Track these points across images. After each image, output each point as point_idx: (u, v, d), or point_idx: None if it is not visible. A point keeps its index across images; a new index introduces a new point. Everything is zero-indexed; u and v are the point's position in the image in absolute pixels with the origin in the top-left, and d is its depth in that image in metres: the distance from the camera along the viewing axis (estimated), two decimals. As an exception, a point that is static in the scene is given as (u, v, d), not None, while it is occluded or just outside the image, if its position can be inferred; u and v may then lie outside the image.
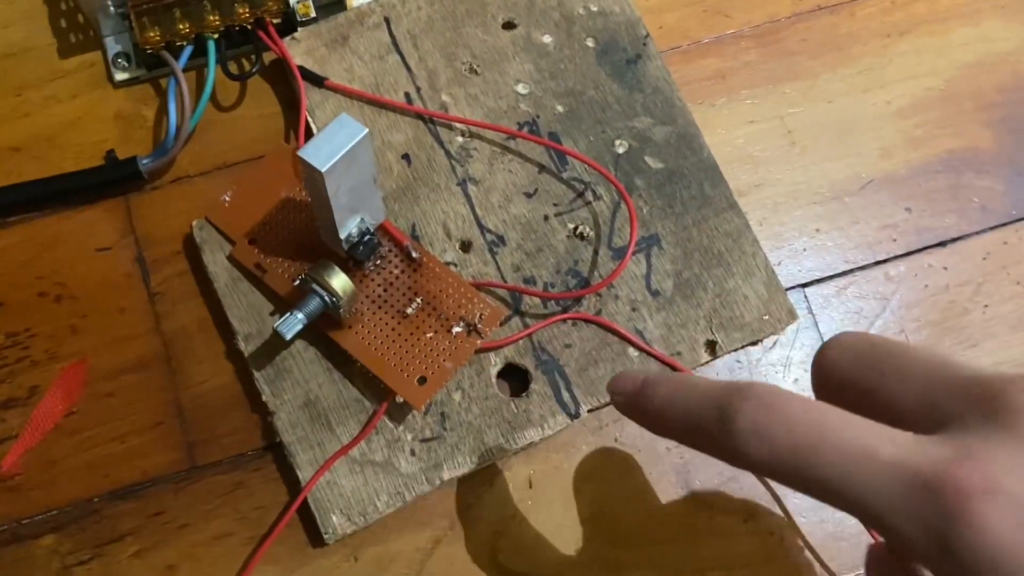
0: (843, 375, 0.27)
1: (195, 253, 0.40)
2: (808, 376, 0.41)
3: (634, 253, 0.40)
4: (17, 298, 0.39)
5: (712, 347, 0.39)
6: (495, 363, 0.39)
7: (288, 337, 0.35)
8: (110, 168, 0.40)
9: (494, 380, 0.39)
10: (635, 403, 0.29)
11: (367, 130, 0.33)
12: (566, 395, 0.38)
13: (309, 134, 0.41)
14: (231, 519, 0.38)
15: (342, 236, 0.36)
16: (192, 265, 0.40)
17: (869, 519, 0.23)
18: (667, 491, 0.39)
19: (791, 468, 0.23)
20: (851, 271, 0.43)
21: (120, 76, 0.42)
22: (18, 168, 0.41)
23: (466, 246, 0.40)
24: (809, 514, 0.40)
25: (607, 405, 0.39)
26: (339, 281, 0.35)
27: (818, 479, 0.23)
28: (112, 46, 0.42)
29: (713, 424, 0.25)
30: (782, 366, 0.41)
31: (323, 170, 0.32)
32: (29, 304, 0.39)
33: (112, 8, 0.41)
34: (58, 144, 0.41)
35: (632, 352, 0.39)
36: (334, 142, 0.32)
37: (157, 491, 0.38)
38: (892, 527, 0.22)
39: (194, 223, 0.40)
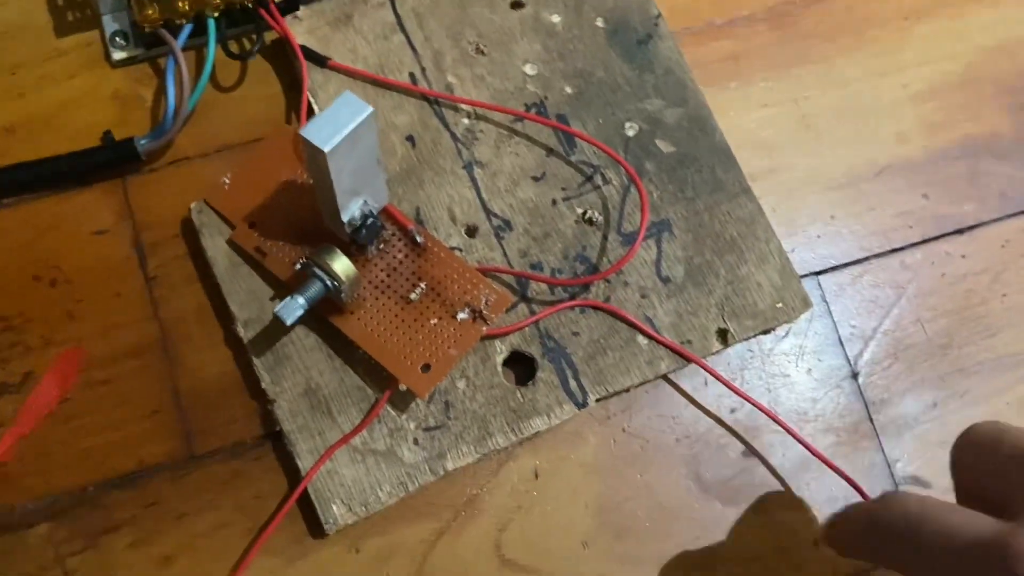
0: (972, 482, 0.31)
1: (193, 237, 0.39)
2: (823, 365, 0.40)
3: (644, 239, 0.39)
4: (11, 282, 0.38)
5: (724, 336, 0.38)
6: (501, 351, 0.38)
7: (288, 322, 0.34)
8: (107, 149, 0.39)
9: (499, 368, 0.38)
10: (875, 526, 0.31)
11: (372, 109, 0.32)
12: (573, 384, 0.37)
13: (311, 115, 0.39)
14: (229, 509, 0.37)
15: (344, 219, 0.35)
16: (190, 249, 0.39)
17: None
18: (676, 483, 0.38)
19: None
20: (866, 259, 0.42)
21: (118, 55, 0.41)
22: (12, 149, 0.40)
23: (472, 231, 0.39)
24: (824, 507, 0.39)
25: (615, 395, 0.38)
26: (341, 265, 0.34)
27: None
28: (110, 25, 0.41)
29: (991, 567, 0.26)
30: (795, 355, 0.40)
31: (326, 150, 0.31)
32: (23, 288, 0.38)
33: (110, -15, 0.40)
34: (53, 125, 0.40)
35: (641, 340, 0.38)
36: (338, 121, 0.31)
37: (154, 480, 0.37)
38: None
39: (192, 206, 0.38)
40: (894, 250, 0.42)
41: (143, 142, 0.39)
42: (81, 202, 0.40)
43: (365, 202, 0.35)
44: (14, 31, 0.41)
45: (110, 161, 0.39)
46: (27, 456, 0.37)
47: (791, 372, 0.40)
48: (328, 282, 0.35)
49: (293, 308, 0.34)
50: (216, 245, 0.38)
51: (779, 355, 0.40)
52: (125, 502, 0.37)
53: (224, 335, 0.38)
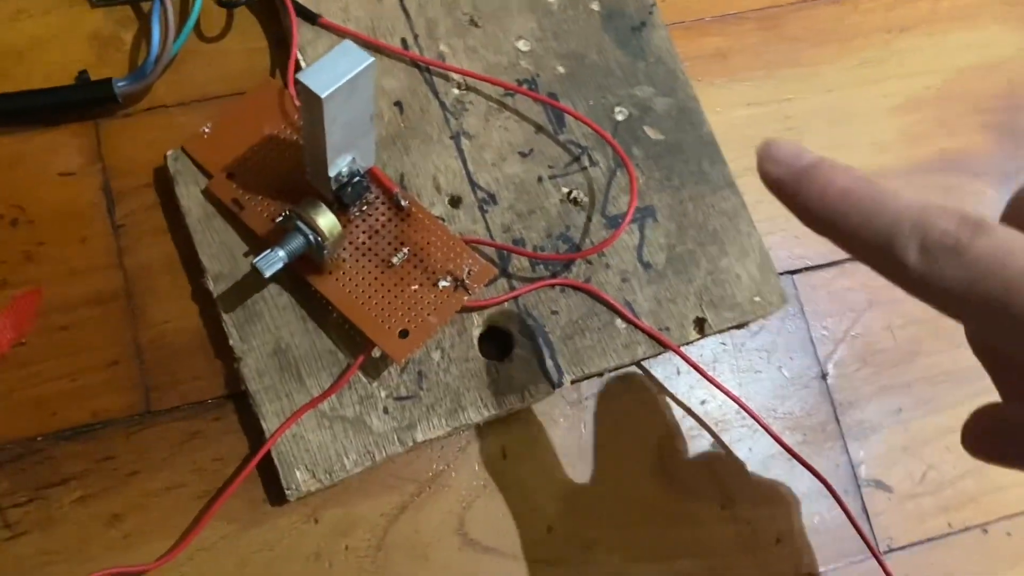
0: None
1: (167, 185, 0.37)
2: (793, 364, 0.40)
3: (628, 223, 0.39)
4: (-32, 218, 0.37)
5: (701, 325, 0.38)
6: (478, 324, 0.37)
7: (267, 274, 0.33)
8: (82, 88, 0.37)
9: (476, 342, 0.37)
10: (800, 184, 0.23)
11: (373, 59, 0.31)
12: (550, 363, 0.37)
13: (298, 72, 0.38)
14: (185, 470, 0.35)
15: (331, 174, 0.34)
16: (162, 199, 0.38)
17: None
18: (644, 472, 0.38)
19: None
20: (841, 262, 0.42)
21: (99, -6, 0.39)
22: (-20, 81, 0.38)
23: (455, 201, 0.38)
24: (789, 505, 0.39)
25: (589, 377, 0.38)
26: (326, 220, 0.33)
27: None
28: (93, -38, 0.39)
29: (909, 251, 0.21)
30: (767, 352, 0.40)
31: (323, 96, 0.30)
32: (-19, 225, 0.37)
33: (96, -78, 0.38)
34: (26, 61, 0.39)
35: (620, 324, 0.38)
36: (337, 68, 0.31)
37: (108, 434, 0.35)
38: None
39: (169, 153, 0.37)
40: (869, 255, 0.42)
41: (121, 84, 0.37)
42: (49, 141, 0.38)
43: (353, 160, 0.34)
44: (-10, -41, 0.39)
45: (84, 101, 0.38)
46: (-27, 400, 0.35)
47: (762, 368, 0.40)
48: (311, 237, 0.34)
49: (273, 260, 0.33)
50: (190, 194, 0.37)
51: (751, 351, 0.40)
52: (75, 455, 0.35)
53: (192, 290, 0.37)
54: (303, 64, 0.38)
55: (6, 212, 0.37)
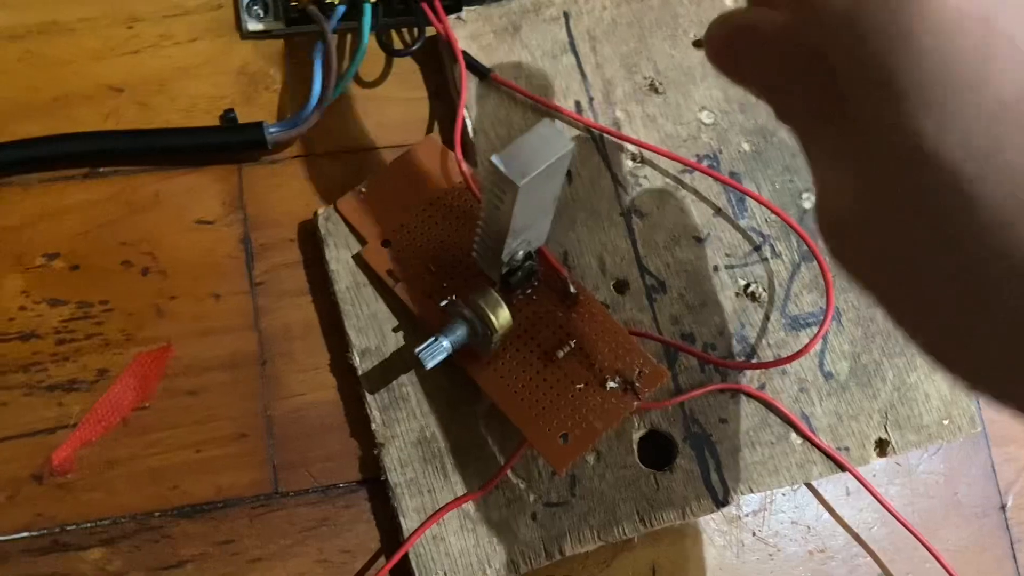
0: None
1: (314, 245, 0.34)
2: (971, 491, 0.36)
3: (809, 326, 0.35)
4: (97, 263, 0.34)
5: (883, 447, 0.34)
6: (639, 427, 0.34)
7: (429, 366, 0.30)
8: (230, 130, 0.34)
9: (635, 447, 0.33)
10: None
11: (573, 144, 0.27)
12: (715, 477, 0.33)
13: (464, 131, 0.35)
14: (311, 560, 0.32)
15: (504, 258, 0.31)
16: (306, 257, 0.35)
17: None
18: (805, 601, 0.34)
19: None
20: (1030, 381, 0.38)
21: (252, 26, 0.36)
22: (118, 111, 0.35)
23: (621, 286, 0.35)
24: (955, 650, 0.35)
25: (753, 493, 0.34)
26: (498, 312, 0.30)
27: None
28: (248, -10, 0.36)
29: None
30: (943, 475, 0.36)
31: (520, 184, 0.27)
32: (110, 273, 0.34)
33: (256, -53, 0.35)
34: (167, 91, 0.35)
35: (795, 438, 0.34)
36: (534, 152, 0.27)
37: (231, 515, 0.32)
38: None
39: (320, 211, 0.34)
40: (1062, 376, 0.38)
41: (273, 130, 0.34)
42: (188, 184, 0.35)
43: (528, 242, 0.31)
44: (140, -21, 0.36)
45: (230, 144, 0.34)
46: (90, 467, 0.32)
47: (936, 494, 0.36)
48: (479, 328, 0.30)
49: (436, 351, 0.30)
50: (340, 259, 0.33)
51: (926, 473, 0.36)
52: (194, 535, 0.32)
53: (331, 360, 0.34)
54: (468, 122, 0.35)
55: (137, 260, 0.34)
